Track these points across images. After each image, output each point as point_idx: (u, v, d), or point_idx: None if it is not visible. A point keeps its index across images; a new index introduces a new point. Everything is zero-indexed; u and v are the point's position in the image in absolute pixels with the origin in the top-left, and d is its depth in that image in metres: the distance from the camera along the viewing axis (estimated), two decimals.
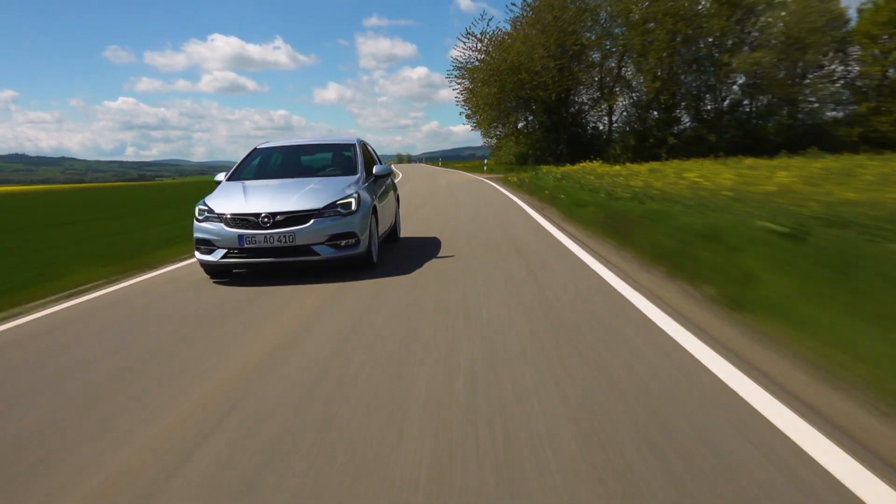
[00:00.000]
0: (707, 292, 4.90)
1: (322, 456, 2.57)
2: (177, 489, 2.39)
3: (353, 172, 7.75)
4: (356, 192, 7.00)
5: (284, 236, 6.49)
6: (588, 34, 36.65)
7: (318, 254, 6.58)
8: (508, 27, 38.54)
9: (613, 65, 37.75)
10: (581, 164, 25.68)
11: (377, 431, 2.75)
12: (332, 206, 6.72)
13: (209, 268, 7.02)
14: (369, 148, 9.27)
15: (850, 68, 34.87)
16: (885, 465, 2.35)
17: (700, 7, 34.64)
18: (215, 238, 6.64)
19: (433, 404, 3.00)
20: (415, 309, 4.91)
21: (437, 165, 77.16)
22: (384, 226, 8.27)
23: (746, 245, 5.53)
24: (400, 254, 8.14)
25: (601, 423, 2.71)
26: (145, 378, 3.64)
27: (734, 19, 34.33)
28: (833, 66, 34.96)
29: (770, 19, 34.86)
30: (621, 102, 37.76)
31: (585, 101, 39.22)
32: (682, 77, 35.91)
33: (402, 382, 3.28)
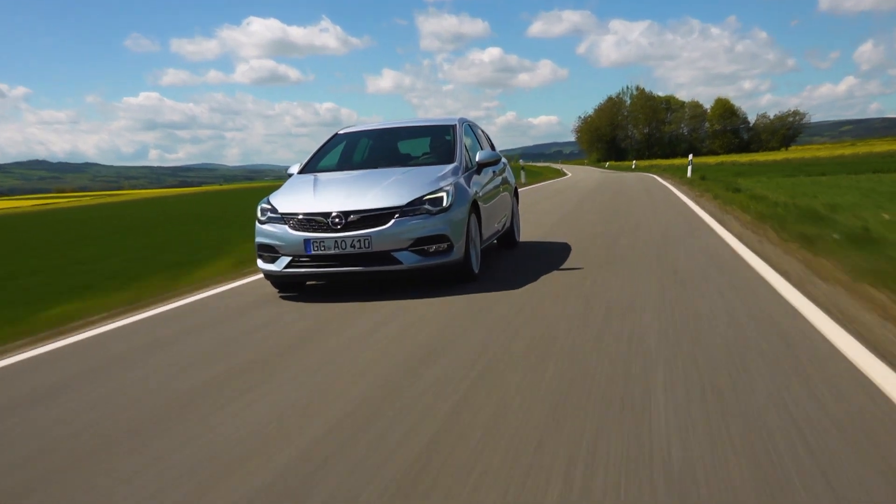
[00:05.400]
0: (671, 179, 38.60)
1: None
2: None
3: (451, 160, 6.07)
4: (450, 185, 5.49)
5: (359, 240, 5.13)
6: (619, 117, 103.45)
7: (400, 262, 5.17)
8: (592, 112, 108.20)
9: (629, 126, 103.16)
10: (619, 162, 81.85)
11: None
12: (419, 201, 5.27)
13: (273, 279, 5.57)
14: (477, 130, 7.42)
15: (704, 126, 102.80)
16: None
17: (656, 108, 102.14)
18: (278, 243, 5.33)
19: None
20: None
21: (557, 163, 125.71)
22: (490, 227, 6.42)
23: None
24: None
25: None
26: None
27: (668, 112, 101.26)
28: (704, 126, 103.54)
29: (679, 112, 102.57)
30: (631, 140, 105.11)
31: (620, 137, 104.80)
32: (653, 130, 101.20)
33: None
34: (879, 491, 1.88)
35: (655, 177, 28.20)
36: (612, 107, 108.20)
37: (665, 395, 2.71)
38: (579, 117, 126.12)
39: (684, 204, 12.60)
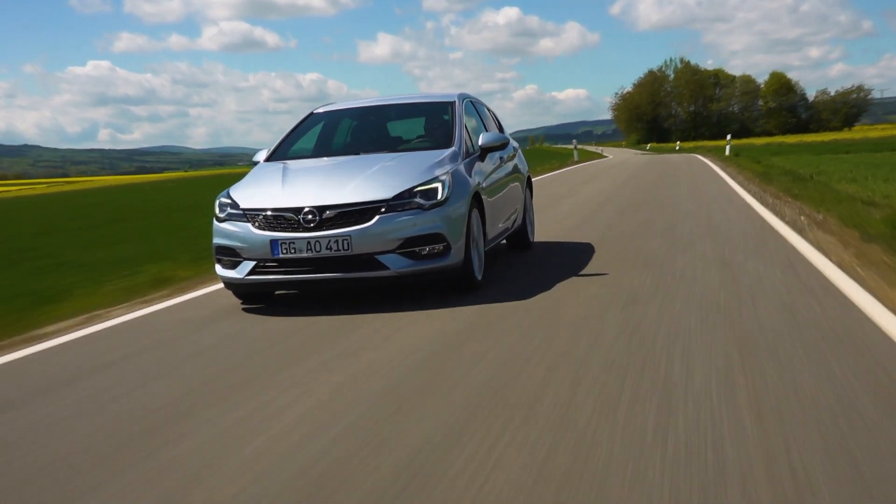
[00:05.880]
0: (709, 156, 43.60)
1: None
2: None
3: (448, 144, 5.36)
4: (447, 174, 4.84)
5: (337, 241, 4.50)
6: (661, 94, 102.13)
7: (386, 267, 4.54)
8: (630, 87, 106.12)
9: (673, 104, 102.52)
10: (662, 144, 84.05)
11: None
12: (409, 194, 4.65)
13: (235, 288, 4.93)
14: (482, 108, 6.57)
15: (758, 104, 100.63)
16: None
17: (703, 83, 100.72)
18: (240, 245, 4.69)
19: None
20: None
21: (591, 145, 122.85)
22: (496, 224, 5.71)
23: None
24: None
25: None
26: None
27: (717, 88, 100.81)
28: (757, 103, 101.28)
29: (730, 88, 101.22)
30: (675, 119, 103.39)
31: (663, 116, 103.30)
32: (700, 108, 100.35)
33: None
34: (717, 194, 9.05)
35: (696, 155, 33.36)
36: (653, 82, 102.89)
37: (686, 201, 9.94)
38: (616, 93, 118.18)
39: (712, 169, 18.12)
